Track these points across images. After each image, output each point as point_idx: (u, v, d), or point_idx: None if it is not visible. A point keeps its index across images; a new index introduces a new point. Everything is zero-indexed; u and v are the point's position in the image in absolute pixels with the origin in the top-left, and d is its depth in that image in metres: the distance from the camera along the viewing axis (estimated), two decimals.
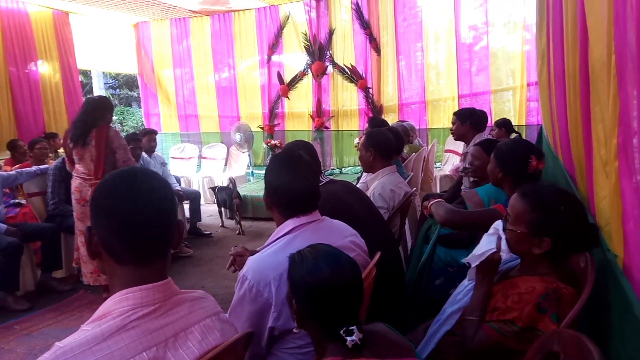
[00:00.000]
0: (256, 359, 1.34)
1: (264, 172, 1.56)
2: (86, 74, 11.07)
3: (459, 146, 5.39)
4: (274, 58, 7.44)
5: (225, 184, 5.63)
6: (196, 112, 8.15)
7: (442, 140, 6.51)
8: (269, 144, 6.90)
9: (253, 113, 7.72)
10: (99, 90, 9.59)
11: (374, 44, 6.78)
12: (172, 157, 7.65)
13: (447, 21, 6.38)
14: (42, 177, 3.89)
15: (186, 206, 5.04)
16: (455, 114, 3.62)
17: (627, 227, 1.17)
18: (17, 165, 4.49)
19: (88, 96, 7.25)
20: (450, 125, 3.65)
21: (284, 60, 7.48)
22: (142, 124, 9.08)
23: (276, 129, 7.42)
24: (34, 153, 4.49)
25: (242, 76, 7.86)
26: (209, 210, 5.83)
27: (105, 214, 0.89)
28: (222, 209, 5.49)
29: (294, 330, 1.12)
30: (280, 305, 1.25)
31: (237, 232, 5.18)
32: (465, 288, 1.49)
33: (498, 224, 1.43)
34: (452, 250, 2.29)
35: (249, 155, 7.19)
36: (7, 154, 5.11)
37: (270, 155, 6.75)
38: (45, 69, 6.56)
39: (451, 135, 3.85)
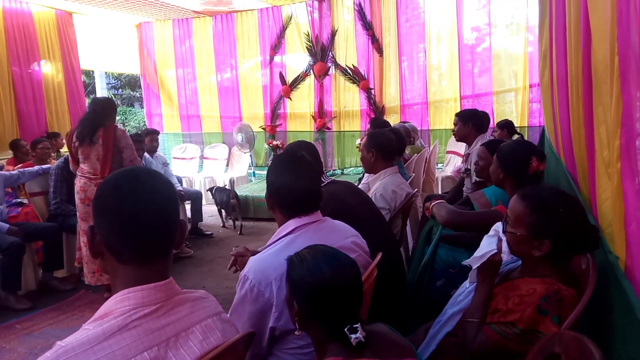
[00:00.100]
0: (257, 359, 1.34)
1: (265, 172, 1.56)
2: (89, 74, 11.11)
3: (461, 147, 5.38)
4: (276, 59, 7.45)
5: (223, 185, 5.65)
6: (198, 113, 8.16)
7: (444, 141, 6.51)
8: (270, 145, 6.91)
9: (255, 113, 7.73)
10: (101, 90, 9.62)
11: (376, 44, 6.78)
12: (174, 158, 7.66)
13: (450, 22, 6.38)
14: (44, 177, 3.90)
15: (188, 206, 5.05)
16: (457, 115, 3.62)
17: (629, 229, 1.16)
18: (19, 165, 4.51)
19: (95, 96, 7.29)
20: (452, 127, 3.65)
21: (286, 60, 7.48)
22: (144, 124, 9.10)
23: (278, 129, 7.42)
24: (37, 153, 4.50)
25: (244, 77, 7.87)
26: (211, 210, 5.83)
27: (107, 213, 0.89)
28: (221, 209, 5.52)
29: (295, 332, 1.12)
30: (281, 306, 1.25)
31: (238, 231, 5.21)
32: (466, 289, 1.49)
33: (498, 226, 1.42)
34: (454, 252, 2.28)
35: (250, 155, 7.20)
36: (10, 154, 5.13)
37: (272, 156, 6.76)
38: (48, 69, 6.58)
39: (453, 137, 3.85)
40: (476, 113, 3.61)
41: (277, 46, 7.35)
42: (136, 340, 0.83)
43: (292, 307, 1.10)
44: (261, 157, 7.73)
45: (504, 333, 1.25)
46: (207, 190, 5.64)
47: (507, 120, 4.91)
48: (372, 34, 6.77)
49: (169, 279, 0.94)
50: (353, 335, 1.00)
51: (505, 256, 1.35)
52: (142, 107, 10.07)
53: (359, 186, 2.86)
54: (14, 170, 3.95)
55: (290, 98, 7.32)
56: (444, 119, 6.60)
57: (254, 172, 7.16)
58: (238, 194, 5.69)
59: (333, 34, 6.93)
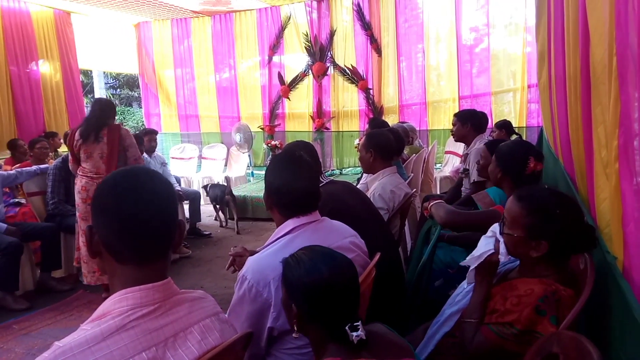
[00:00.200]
0: (255, 359, 1.34)
1: (264, 172, 1.56)
2: (87, 73, 11.09)
3: (459, 147, 5.39)
4: (275, 59, 7.44)
5: (216, 182, 5.72)
6: (197, 113, 8.15)
7: (442, 141, 6.51)
8: (269, 145, 6.90)
9: (253, 113, 7.73)
10: (99, 90, 9.60)
11: (375, 45, 6.78)
12: (172, 157, 7.65)
13: (448, 23, 6.38)
14: (42, 177, 3.89)
15: (186, 206, 5.05)
16: (455, 115, 3.62)
17: (627, 229, 1.17)
18: (17, 165, 4.50)
19: (98, 97, 7.27)
20: (451, 127, 3.65)
21: (285, 60, 7.48)
22: (143, 124, 9.09)
23: (276, 129, 7.42)
24: (34, 152, 4.49)
25: (243, 77, 7.87)
26: (209, 210, 5.83)
27: (106, 213, 0.89)
28: (216, 207, 5.57)
29: (294, 335, 1.12)
30: (279, 306, 1.25)
31: (224, 225, 5.35)
32: (464, 290, 1.49)
33: (496, 227, 1.42)
34: (452, 252, 2.29)
35: (249, 155, 7.19)
36: (8, 154, 5.11)
37: (270, 156, 6.75)
38: (46, 69, 6.57)
39: (451, 137, 3.85)
40: (475, 113, 3.61)
41: (275, 46, 7.35)
42: (134, 340, 0.83)
43: (290, 309, 1.10)
44: (260, 157, 7.72)
45: (502, 333, 1.25)
46: (202, 187, 5.66)
47: (505, 120, 4.91)
48: (370, 34, 6.78)
49: (167, 279, 0.94)
50: (354, 333, 1.00)
51: (503, 257, 1.35)
52: (141, 107, 10.06)
53: (358, 186, 2.86)
54: (11, 170, 3.94)
55: (288, 98, 7.32)
56: (443, 119, 6.61)
57: (252, 172, 7.15)
58: (237, 194, 5.71)
59: (332, 34, 6.93)
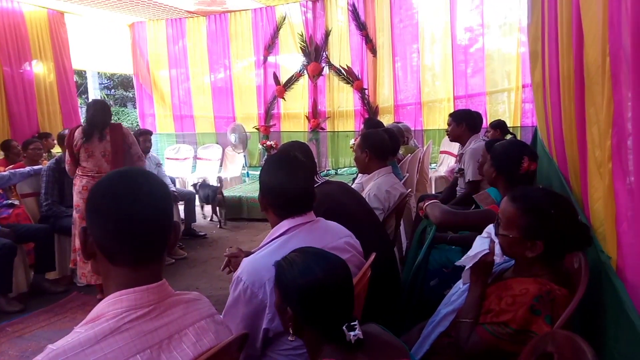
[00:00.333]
0: None
1: (259, 173, 1.56)
2: (81, 74, 11.04)
3: (454, 147, 5.40)
4: (270, 59, 7.44)
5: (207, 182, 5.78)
6: (191, 113, 8.13)
7: (437, 141, 6.53)
8: (264, 145, 6.90)
9: (249, 114, 7.72)
10: (93, 90, 9.55)
11: (370, 45, 6.79)
12: (167, 158, 7.63)
13: (443, 23, 6.41)
14: (35, 178, 3.86)
15: (181, 207, 5.03)
16: (450, 115, 3.63)
17: (620, 229, 1.17)
18: (10, 166, 4.46)
19: (94, 98, 7.22)
20: (446, 127, 3.66)
21: (280, 61, 7.48)
22: (137, 125, 9.06)
23: (272, 129, 7.42)
24: (28, 153, 4.46)
25: (238, 77, 7.86)
26: (205, 211, 5.81)
27: (101, 214, 0.89)
28: (204, 205, 5.63)
29: (289, 338, 1.12)
30: (275, 307, 1.25)
31: (218, 226, 5.38)
32: (459, 289, 1.49)
33: (491, 228, 1.43)
34: (447, 252, 2.29)
35: (244, 156, 7.18)
36: (1, 155, 5.07)
37: (265, 156, 6.74)
38: (40, 69, 6.53)
39: (446, 137, 3.86)
40: (470, 113, 3.62)
41: (270, 46, 7.34)
42: (128, 343, 0.83)
43: (285, 312, 1.09)
44: (255, 158, 7.72)
45: (497, 333, 1.26)
46: (192, 186, 5.67)
47: (500, 120, 4.93)
48: (365, 35, 6.79)
49: (162, 280, 0.93)
50: (352, 333, 1.00)
51: (498, 258, 1.35)
52: (135, 108, 10.02)
53: (352, 186, 2.86)
54: (4, 171, 3.91)
55: (284, 98, 7.31)
56: (438, 119, 6.63)
57: (247, 173, 7.14)
58: (232, 194, 5.71)
59: (327, 34, 6.93)
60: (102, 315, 0.85)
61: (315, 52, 6.90)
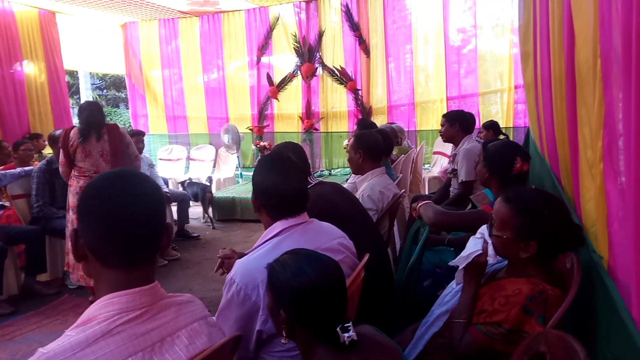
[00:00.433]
0: None
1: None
2: (73, 74, 10.96)
3: (448, 148, 5.42)
4: (264, 59, 7.42)
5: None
6: (184, 114, 8.09)
7: (430, 142, 6.55)
8: (258, 146, 6.88)
9: (242, 114, 7.69)
10: (85, 91, 9.48)
11: (364, 45, 6.80)
12: (160, 159, 7.58)
13: (436, 24, 6.43)
14: (26, 179, 3.83)
15: (174, 208, 5.00)
16: (444, 116, 3.65)
17: (612, 229, 1.18)
18: (0, 167, 4.41)
19: (87, 100, 7.16)
20: (439, 127, 3.67)
21: (274, 61, 7.46)
22: (130, 125, 9.00)
23: (265, 130, 7.40)
24: (19, 154, 4.41)
25: (231, 77, 7.83)
26: (197, 212, 5.78)
27: (93, 216, 0.88)
28: (195, 208, 5.64)
29: (282, 341, 1.11)
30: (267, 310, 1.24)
31: (211, 227, 5.40)
32: (453, 290, 1.49)
33: (484, 229, 1.43)
34: (440, 252, 2.30)
35: (237, 157, 7.15)
36: None
37: (259, 157, 6.73)
38: (31, 69, 6.46)
39: (440, 137, 3.87)
40: (463, 114, 3.64)
41: (264, 47, 7.33)
42: (120, 346, 0.82)
43: (278, 315, 1.09)
44: (248, 159, 7.69)
45: (490, 333, 1.26)
46: (179, 183, 5.65)
47: (492, 121, 4.97)
48: (359, 35, 6.79)
49: (154, 282, 0.92)
50: (346, 334, 1.00)
51: (491, 259, 1.36)
52: (128, 108, 9.96)
53: (345, 185, 2.86)
54: None
55: (277, 99, 7.30)
56: (431, 120, 6.65)
57: (241, 174, 7.12)
58: (225, 195, 5.70)
59: (320, 35, 6.93)
60: (93, 318, 0.84)
61: (308, 53, 6.90)
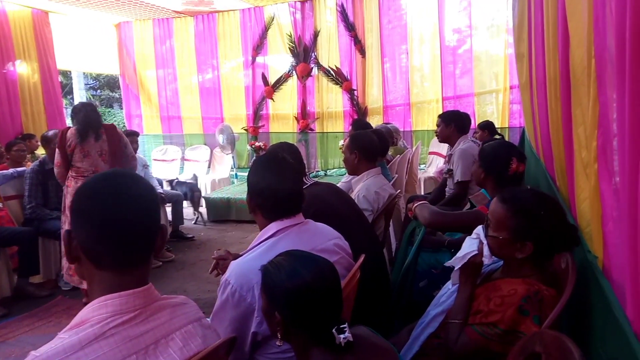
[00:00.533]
0: None
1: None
2: (66, 74, 10.87)
3: (443, 148, 5.44)
4: (259, 59, 7.40)
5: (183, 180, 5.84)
6: (179, 114, 8.06)
7: (426, 142, 6.56)
8: (253, 146, 6.86)
9: (237, 115, 7.67)
10: (79, 91, 9.41)
11: (359, 46, 6.80)
12: (155, 159, 7.56)
13: (432, 24, 6.44)
14: (19, 180, 3.80)
15: (168, 209, 4.98)
16: (439, 116, 3.66)
17: (606, 229, 1.19)
18: None
19: (81, 101, 7.11)
20: (435, 128, 3.68)
21: (269, 61, 7.44)
22: (124, 126, 8.95)
23: (260, 130, 7.38)
24: (11, 155, 4.38)
25: (226, 77, 7.81)
26: (190, 213, 5.76)
27: (86, 217, 0.87)
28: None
29: (277, 343, 1.11)
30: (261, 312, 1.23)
31: (197, 223, 5.51)
32: (449, 290, 1.50)
33: (480, 229, 1.43)
34: (436, 253, 2.30)
35: (232, 157, 7.13)
36: None
37: (254, 158, 6.71)
38: (24, 69, 6.41)
39: (435, 138, 3.88)
40: (458, 114, 3.65)
41: (259, 47, 7.31)
42: (114, 348, 0.81)
43: (273, 317, 1.08)
44: (243, 159, 7.67)
45: (486, 334, 1.26)
46: (167, 182, 5.64)
47: (487, 121, 4.98)
48: (354, 35, 6.79)
49: (148, 284, 0.92)
50: (342, 336, 1.00)
51: (487, 260, 1.36)
52: (122, 108, 9.91)
53: (339, 185, 2.86)
54: None
55: (272, 99, 7.29)
56: (426, 120, 6.66)
57: (236, 174, 7.10)
58: (220, 196, 5.68)
59: (315, 35, 6.92)
60: (86, 320, 0.84)
61: (304, 53, 6.89)
